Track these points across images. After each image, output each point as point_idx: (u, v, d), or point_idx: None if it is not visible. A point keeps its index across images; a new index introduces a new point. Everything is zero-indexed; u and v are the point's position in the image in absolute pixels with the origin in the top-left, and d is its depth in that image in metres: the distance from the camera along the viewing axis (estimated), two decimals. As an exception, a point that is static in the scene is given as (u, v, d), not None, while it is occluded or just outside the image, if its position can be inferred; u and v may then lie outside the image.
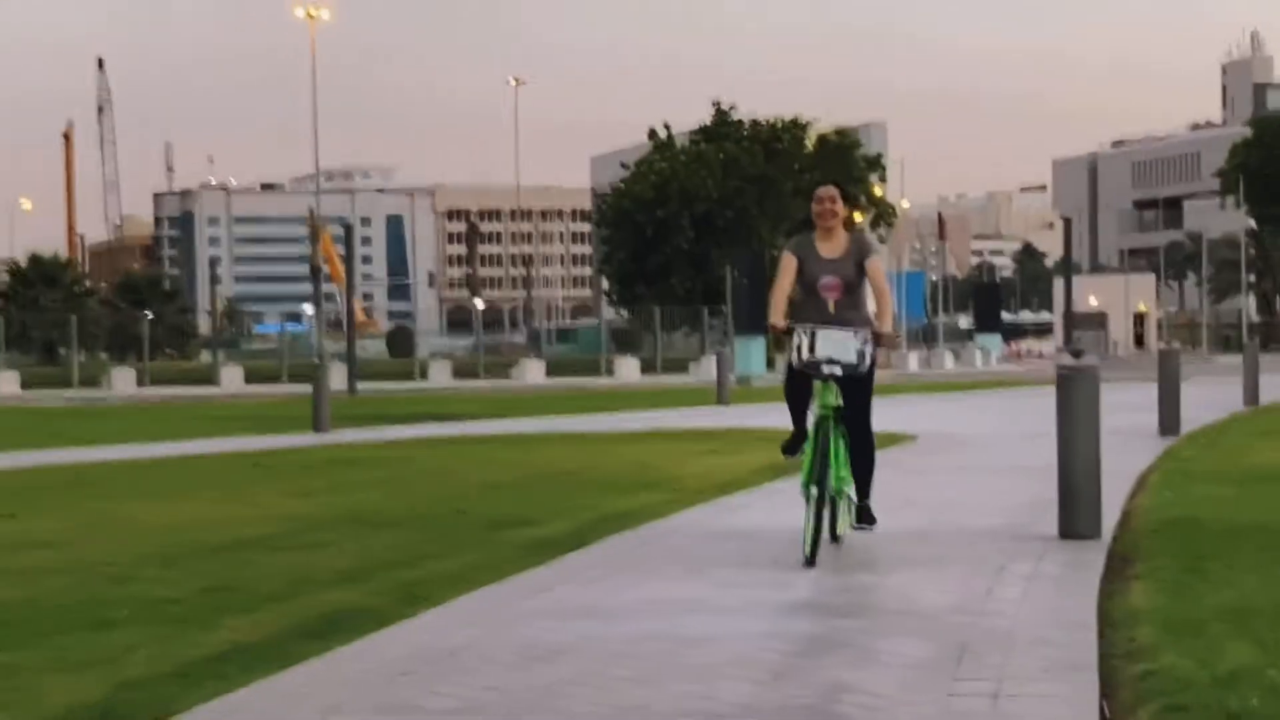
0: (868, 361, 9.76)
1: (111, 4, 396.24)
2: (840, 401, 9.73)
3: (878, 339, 9.83)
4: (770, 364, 62.80)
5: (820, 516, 9.62)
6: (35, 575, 9.66)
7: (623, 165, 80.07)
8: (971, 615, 7.83)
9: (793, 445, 10.22)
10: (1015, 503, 12.86)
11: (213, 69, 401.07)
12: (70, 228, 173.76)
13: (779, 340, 10.14)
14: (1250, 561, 9.13)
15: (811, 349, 9.68)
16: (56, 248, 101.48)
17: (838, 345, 9.64)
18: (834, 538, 10.16)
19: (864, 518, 10.07)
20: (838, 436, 9.78)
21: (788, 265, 10.08)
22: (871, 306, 10.06)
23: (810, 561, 9.41)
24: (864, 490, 10.06)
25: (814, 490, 9.60)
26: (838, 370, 9.66)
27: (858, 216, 77.87)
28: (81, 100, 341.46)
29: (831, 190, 10.22)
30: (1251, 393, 28.73)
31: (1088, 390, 10.68)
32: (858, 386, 9.84)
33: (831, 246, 10.04)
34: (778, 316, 10.00)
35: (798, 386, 10.03)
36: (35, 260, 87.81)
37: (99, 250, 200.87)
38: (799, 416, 10.13)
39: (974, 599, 8.31)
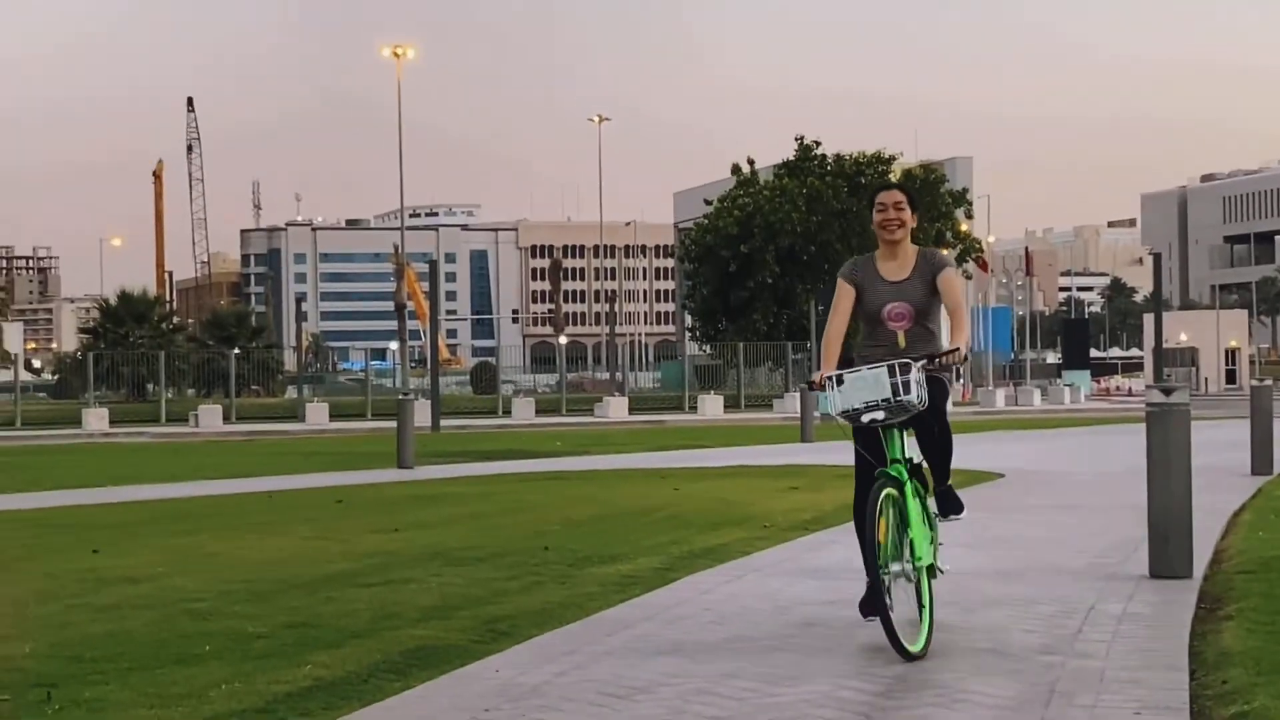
0: (915, 392, 7.78)
1: (201, 45, 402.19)
2: (905, 454, 8.01)
3: (932, 359, 7.94)
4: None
5: (888, 589, 7.68)
6: (121, 610, 9.73)
7: (706, 201, 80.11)
8: (1061, 655, 7.72)
9: (869, 602, 8.04)
10: (1105, 542, 12.68)
11: (300, 108, 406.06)
12: (159, 265, 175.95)
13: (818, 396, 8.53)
14: (1348, 602, 8.94)
15: (839, 399, 7.91)
16: (146, 285, 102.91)
17: (871, 385, 7.82)
18: (907, 652, 7.63)
19: (949, 505, 8.44)
20: (904, 505, 7.85)
21: (843, 297, 8.27)
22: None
23: (910, 656, 7.55)
24: (943, 475, 8.40)
25: (896, 567, 7.78)
26: (879, 415, 7.82)
27: (942, 252, 77.32)
28: (171, 140, 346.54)
29: (896, 194, 8.26)
30: (1346, 430, 28.20)
31: (1178, 428, 10.52)
32: (924, 421, 8.06)
33: (897, 265, 8.23)
34: (826, 366, 8.12)
35: (861, 457, 8.14)
36: (124, 297, 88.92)
37: (187, 287, 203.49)
38: (863, 497, 8.06)
39: (1064, 639, 8.18)
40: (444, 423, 48.35)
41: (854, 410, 7.86)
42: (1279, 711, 6.21)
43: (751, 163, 78.75)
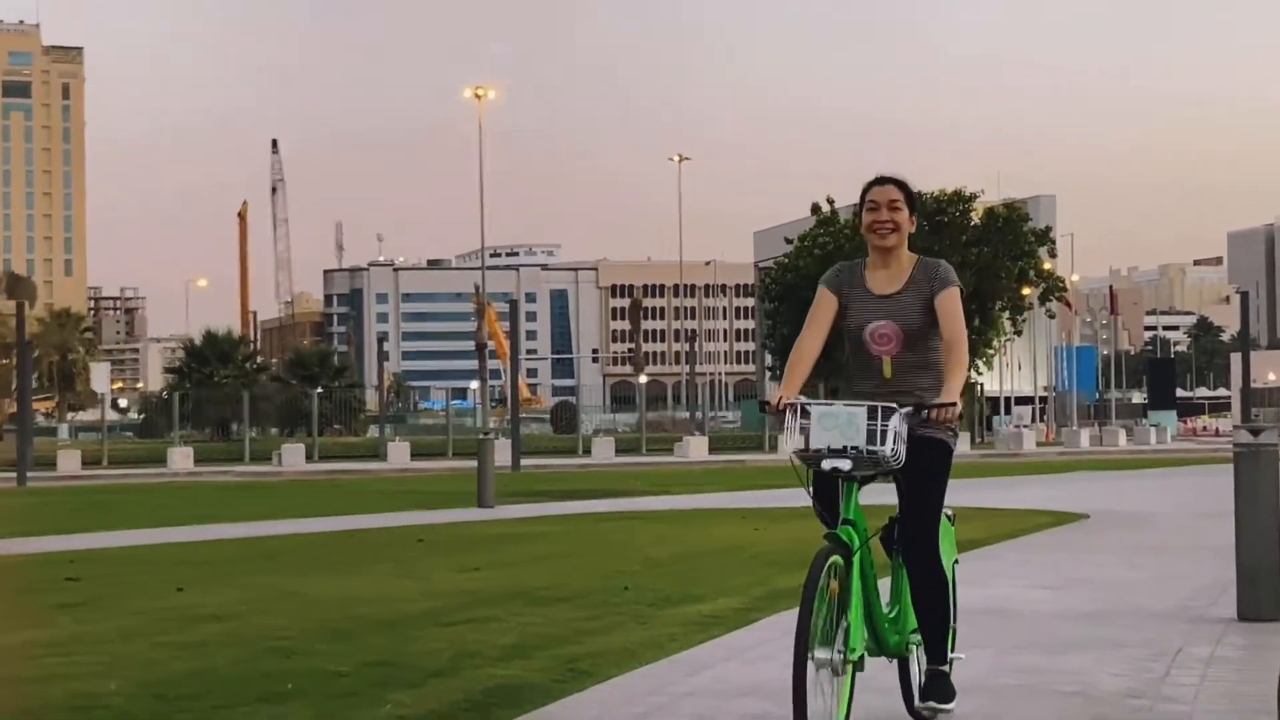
0: (894, 445, 6.25)
1: (286, 87, 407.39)
2: (855, 514, 6.40)
3: (923, 410, 6.34)
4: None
5: (842, 691, 6.17)
6: (205, 648, 9.80)
7: (786, 240, 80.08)
8: (1148, 699, 7.61)
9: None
10: (1193, 585, 12.52)
11: (382, 148, 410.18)
12: (244, 305, 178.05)
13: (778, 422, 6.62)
14: None
15: (805, 434, 6.35)
16: (230, 325, 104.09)
17: (844, 425, 6.28)
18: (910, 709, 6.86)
19: (936, 692, 6.66)
20: (867, 569, 6.36)
21: (821, 308, 6.78)
22: None
23: None
24: (938, 652, 6.66)
25: (822, 655, 6.06)
26: (844, 463, 6.27)
27: (1025, 290, 76.76)
28: (256, 181, 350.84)
29: (891, 190, 6.70)
30: None
31: (1266, 468, 10.39)
32: (918, 475, 6.52)
33: (888, 276, 6.70)
34: (788, 389, 6.59)
35: (823, 508, 6.53)
36: (209, 337, 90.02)
37: (271, 327, 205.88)
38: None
39: (1150, 683, 8.07)
40: (524, 462, 48.53)
41: (815, 452, 6.32)
42: (1373, 758, 6.09)
43: (831, 201, 78.61)
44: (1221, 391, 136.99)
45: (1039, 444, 66.97)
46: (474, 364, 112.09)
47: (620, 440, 65.22)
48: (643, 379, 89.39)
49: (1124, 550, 15.74)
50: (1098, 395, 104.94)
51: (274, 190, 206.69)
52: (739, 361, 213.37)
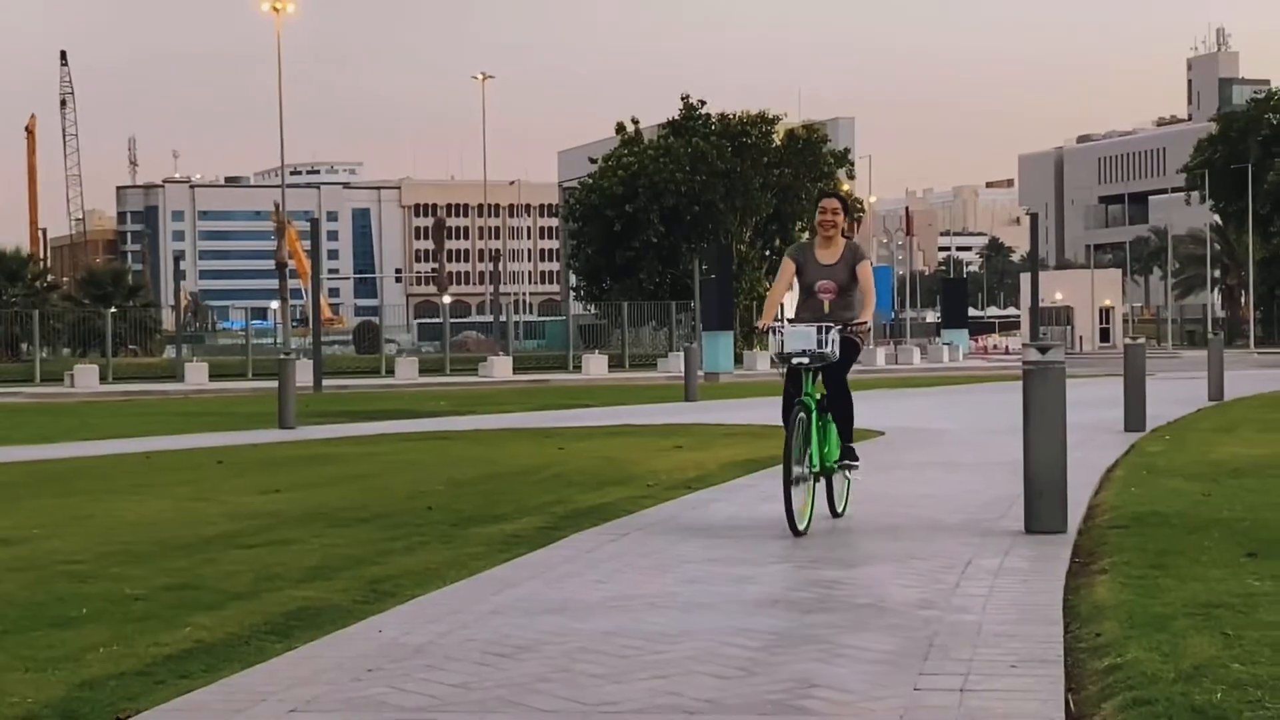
0: (831, 348, 10.82)
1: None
2: (816, 391, 10.85)
3: (847, 326, 10.98)
4: (739, 360, 62.79)
5: (793, 488, 10.49)
6: (-3, 573, 9.57)
7: (590, 160, 79.91)
8: (939, 610, 7.84)
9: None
10: (983, 498, 12.89)
11: (177, 63, 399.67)
12: (32, 222, 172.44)
13: (763, 339, 11.17)
14: (1214, 556, 9.16)
15: (784, 344, 10.83)
16: (18, 242, 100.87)
17: (801, 338, 10.80)
18: (834, 513, 11.38)
19: (847, 457, 11.24)
20: (819, 420, 10.83)
21: (786, 270, 11.24)
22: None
23: (799, 533, 10.51)
24: (846, 434, 11.20)
25: (798, 470, 10.55)
26: (805, 360, 10.78)
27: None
28: (44, 94, 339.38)
29: (834, 202, 11.27)
30: (1216, 388, 28.87)
31: (1053, 386, 10.70)
32: (834, 370, 10.98)
33: (829, 253, 11.17)
34: (766, 318, 11.12)
35: (788, 387, 11.03)
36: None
37: (61, 245, 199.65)
38: (789, 413, 10.86)
39: (941, 594, 8.31)
40: (326, 382, 47.99)
41: (787, 354, 10.78)
42: (1151, 663, 6.35)
43: (636, 122, 78.67)
44: (1011, 310, 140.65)
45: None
46: (274, 284, 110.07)
47: (424, 360, 64.81)
48: (446, 299, 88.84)
49: (918, 466, 16.13)
50: (893, 315, 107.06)
51: (63, 104, 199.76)
52: (543, 281, 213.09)
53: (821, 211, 11.18)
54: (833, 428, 11.09)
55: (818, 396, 10.87)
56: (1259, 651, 6.51)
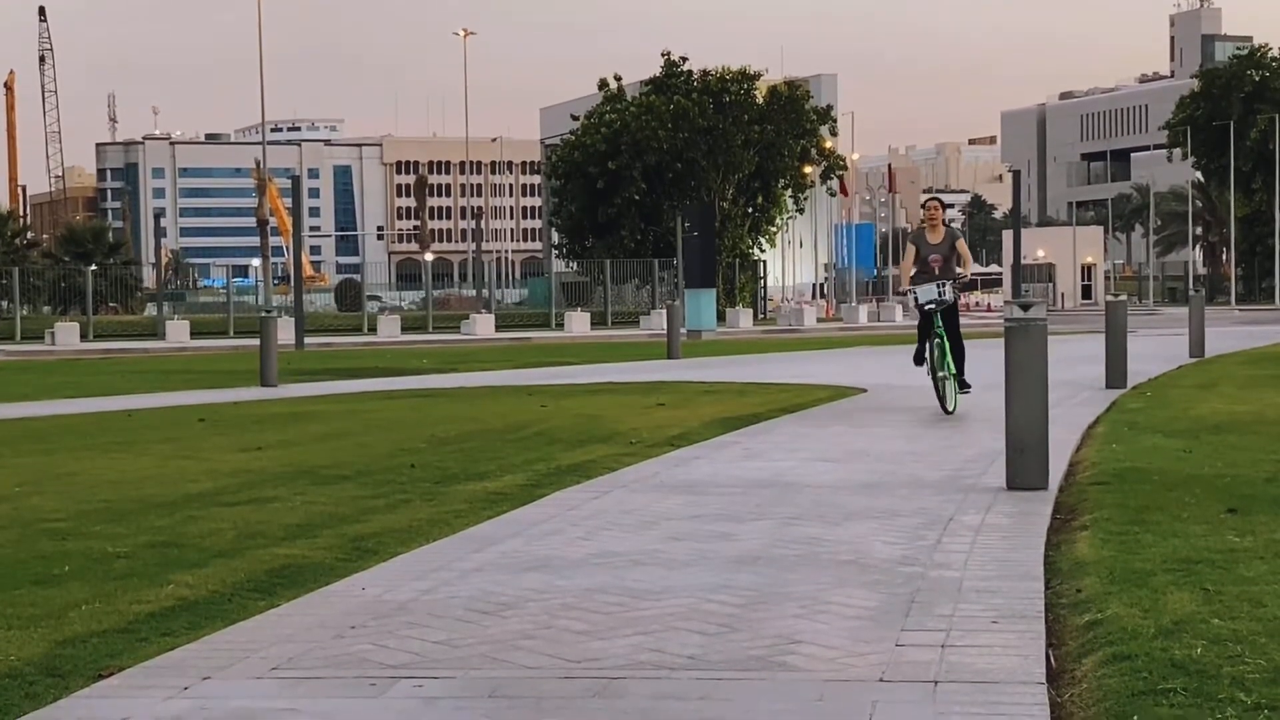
0: (949, 297, 16.48)
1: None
2: (941, 325, 16.49)
3: (955, 281, 16.58)
4: (721, 317, 62.77)
5: (941, 387, 16.60)
6: (-21, 531, 9.55)
7: (573, 117, 79.64)
8: (920, 566, 7.87)
9: (919, 357, 17.23)
10: (964, 455, 12.91)
11: (158, 19, 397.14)
12: (11, 179, 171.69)
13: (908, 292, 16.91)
14: (1195, 512, 9.20)
15: (918, 296, 16.50)
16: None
17: (929, 292, 16.47)
18: (946, 411, 16.52)
19: (963, 387, 16.62)
20: (944, 343, 16.45)
21: (910, 250, 16.80)
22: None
23: (949, 412, 16.48)
24: (960, 369, 16.55)
25: (939, 372, 16.61)
26: (932, 305, 16.47)
27: (807, 169, 77.82)
28: (23, 51, 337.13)
29: (936, 202, 17.14)
30: (1197, 345, 28.95)
31: (1035, 342, 10.72)
32: (950, 311, 16.56)
33: (935, 235, 16.71)
34: (905, 281, 16.89)
35: (921, 325, 16.90)
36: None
37: (41, 202, 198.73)
38: (922, 345, 16.93)
39: (923, 550, 8.34)
40: (308, 340, 47.90)
41: (922, 301, 16.50)
42: (1131, 619, 6.38)
43: (619, 79, 78.39)
44: (993, 268, 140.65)
45: (819, 320, 68.17)
46: (255, 241, 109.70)
47: (406, 318, 64.71)
48: (428, 256, 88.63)
49: (900, 423, 16.16)
50: (876, 272, 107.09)
51: (42, 60, 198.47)
52: (526, 239, 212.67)
53: (928, 209, 16.87)
54: (948, 346, 16.39)
55: (941, 333, 16.44)
56: (1238, 607, 6.55)
